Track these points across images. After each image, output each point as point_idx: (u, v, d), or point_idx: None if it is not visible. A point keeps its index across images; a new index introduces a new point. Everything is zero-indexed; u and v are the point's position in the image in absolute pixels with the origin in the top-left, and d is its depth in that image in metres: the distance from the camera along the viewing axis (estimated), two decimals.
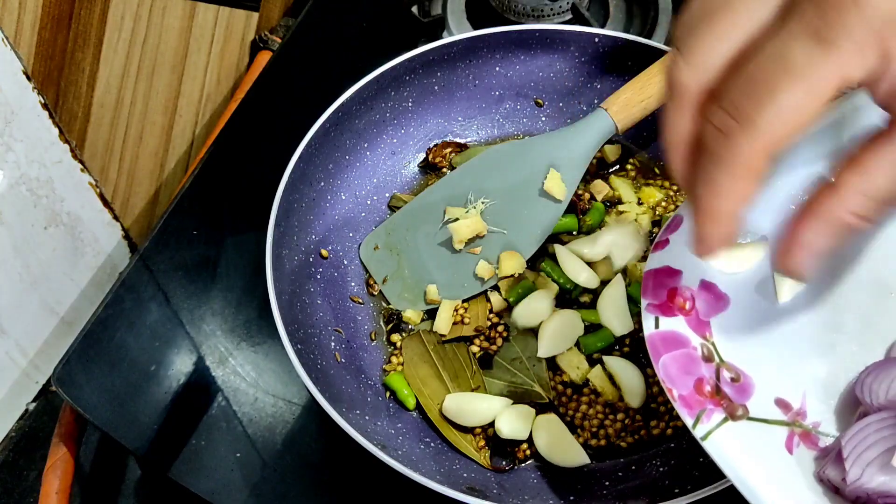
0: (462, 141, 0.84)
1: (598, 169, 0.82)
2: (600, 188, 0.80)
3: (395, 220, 0.78)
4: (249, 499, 0.69)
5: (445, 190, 0.77)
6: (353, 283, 0.77)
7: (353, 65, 0.80)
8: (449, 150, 0.83)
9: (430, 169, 0.83)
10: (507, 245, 0.74)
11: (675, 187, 0.80)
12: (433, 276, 0.75)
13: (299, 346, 0.66)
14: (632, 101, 0.74)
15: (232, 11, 0.99)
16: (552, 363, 0.71)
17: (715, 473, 0.64)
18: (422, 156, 0.83)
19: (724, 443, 0.50)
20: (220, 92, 1.03)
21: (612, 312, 0.72)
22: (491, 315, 0.74)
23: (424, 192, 0.79)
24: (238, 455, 0.71)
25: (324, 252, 0.76)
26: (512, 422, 0.67)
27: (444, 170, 0.82)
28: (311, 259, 0.75)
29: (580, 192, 0.79)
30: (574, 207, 0.78)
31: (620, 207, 0.79)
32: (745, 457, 0.50)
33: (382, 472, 0.59)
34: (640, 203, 0.79)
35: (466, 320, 0.73)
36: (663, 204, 0.79)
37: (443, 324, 0.73)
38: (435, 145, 0.83)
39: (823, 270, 0.56)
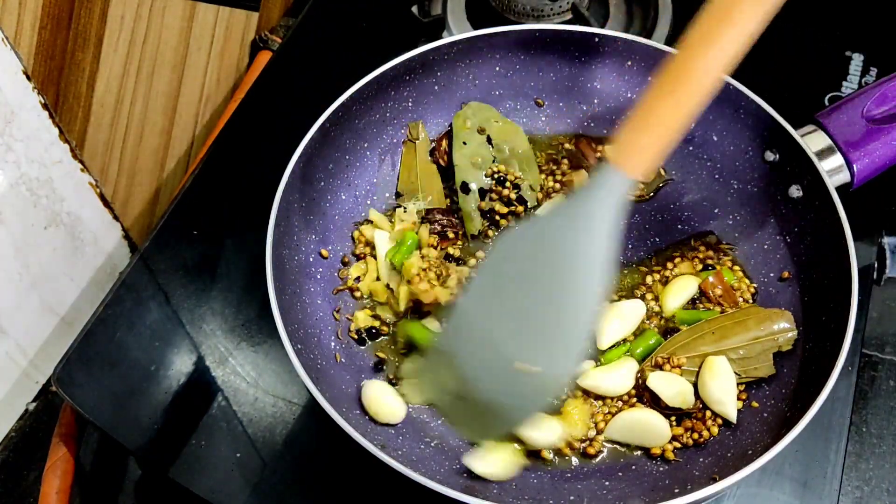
0: None
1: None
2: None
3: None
4: (249, 499, 0.69)
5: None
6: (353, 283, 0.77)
7: (353, 65, 0.80)
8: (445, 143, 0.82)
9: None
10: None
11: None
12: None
13: (299, 346, 0.66)
14: (642, 139, 0.59)
15: (232, 11, 0.98)
16: None
17: (714, 474, 0.64)
18: None
19: None
20: (220, 92, 1.03)
21: None
22: None
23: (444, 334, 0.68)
24: (238, 455, 0.71)
25: (324, 252, 0.76)
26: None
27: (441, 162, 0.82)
28: (311, 259, 0.75)
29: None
30: None
31: None
32: None
33: (382, 472, 0.59)
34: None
35: None
36: None
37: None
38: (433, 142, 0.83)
39: None
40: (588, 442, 0.68)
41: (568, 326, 0.61)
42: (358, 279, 0.76)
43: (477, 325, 0.63)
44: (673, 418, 0.68)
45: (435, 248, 0.76)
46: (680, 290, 0.74)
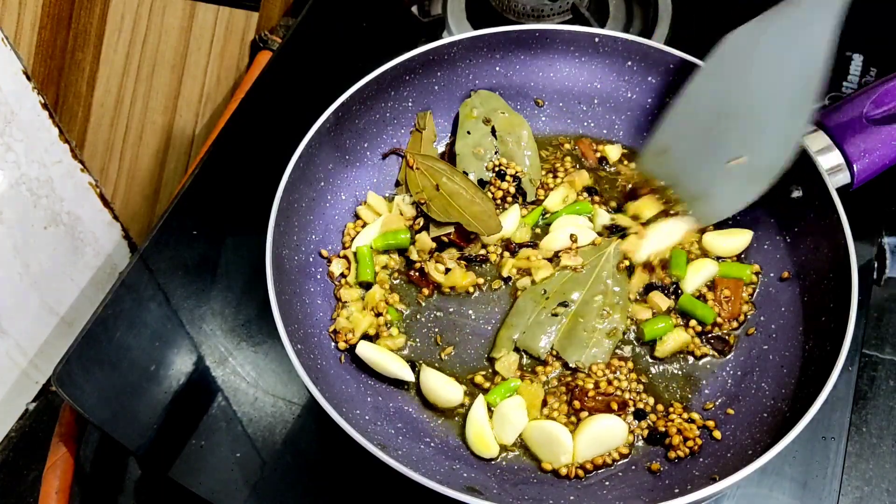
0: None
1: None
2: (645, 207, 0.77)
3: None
4: (249, 499, 0.69)
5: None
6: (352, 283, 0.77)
7: (353, 65, 0.80)
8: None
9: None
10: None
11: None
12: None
13: (299, 346, 0.66)
14: None
15: (232, 11, 0.98)
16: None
17: (714, 474, 0.64)
18: None
19: None
20: (220, 92, 1.03)
21: None
22: None
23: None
24: (238, 455, 0.71)
25: (324, 252, 0.76)
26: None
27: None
28: (311, 259, 0.75)
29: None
30: None
31: None
32: None
33: (382, 472, 0.59)
34: None
35: None
36: None
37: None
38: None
39: None
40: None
41: (778, 125, 0.67)
42: (343, 276, 0.76)
43: (692, 125, 0.71)
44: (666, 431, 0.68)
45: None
46: (699, 269, 0.75)
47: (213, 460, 0.70)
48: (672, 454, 0.67)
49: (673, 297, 0.74)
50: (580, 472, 0.67)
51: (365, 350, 0.70)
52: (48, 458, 0.74)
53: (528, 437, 0.68)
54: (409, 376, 0.70)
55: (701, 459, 0.67)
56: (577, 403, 0.69)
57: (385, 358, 0.70)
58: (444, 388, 0.69)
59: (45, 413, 0.86)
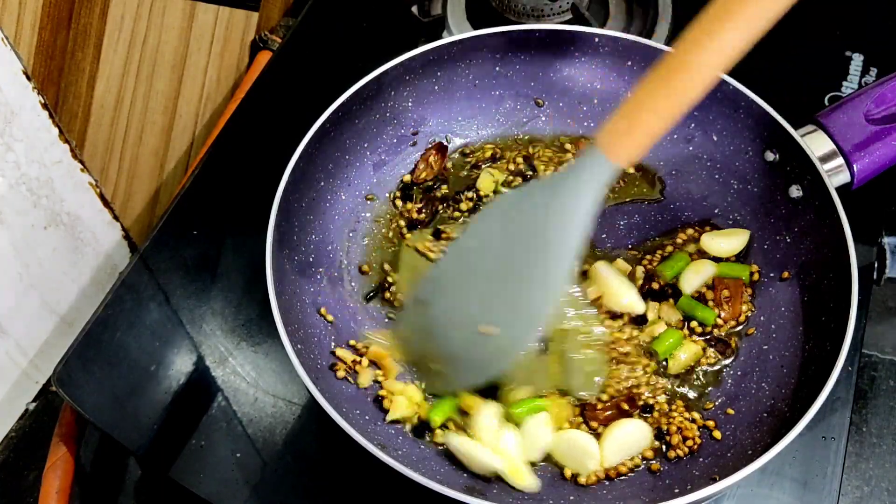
0: (462, 141, 0.84)
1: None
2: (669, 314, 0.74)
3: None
4: (249, 499, 0.69)
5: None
6: (352, 283, 0.77)
7: (353, 65, 0.80)
8: (433, 156, 0.82)
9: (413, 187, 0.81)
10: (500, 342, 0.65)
11: None
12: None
13: (299, 346, 0.66)
14: (632, 126, 0.59)
15: (232, 11, 0.98)
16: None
17: (714, 474, 0.64)
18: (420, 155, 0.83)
19: None
20: (220, 92, 1.03)
21: None
22: None
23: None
24: (238, 455, 0.71)
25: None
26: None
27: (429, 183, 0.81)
28: (311, 259, 0.75)
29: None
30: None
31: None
32: None
33: (382, 472, 0.59)
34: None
35: None
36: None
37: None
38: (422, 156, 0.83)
39: None
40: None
41: (531, 298, 0.63)
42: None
43: (451, 286, 0.67)
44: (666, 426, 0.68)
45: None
46: (698, 270, 0.75)
47: (213, 460, 0.70)
48: (672, 454, 0.67)
49: (671, 299, 0.74)
50: (602, 477, 0.66)
51: (455, 442, 0.66)
52: (48, 458, 0.74)
53: (554, 449, 0.67)
54: (499, 466, 0.65)
55: (701, 459, 0.67)
56: (593, 423, 0.68)
57: (479, 451, 0.65)
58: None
59: (45, 413, 0.86)
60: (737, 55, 0.57)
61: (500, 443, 0.66)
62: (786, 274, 0.73)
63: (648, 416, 0.69)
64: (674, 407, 0.69)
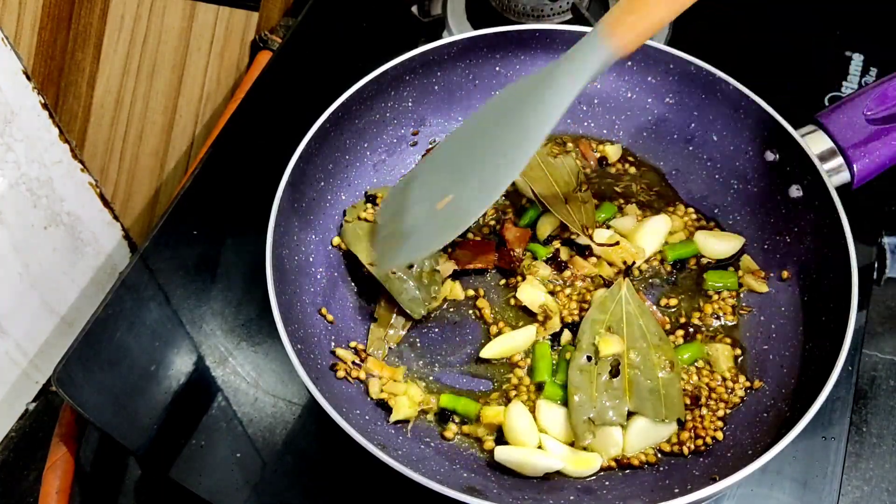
0: None
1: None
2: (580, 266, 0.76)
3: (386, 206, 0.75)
4: (249, 499, 0.69)
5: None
6: (352, 283, 0.77)
7: (353, 65, 0.80)
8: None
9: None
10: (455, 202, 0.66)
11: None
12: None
13: (299, 346, 0.66)
14: (635, 7, 0.58)
15: (232, 11, 0.98)
16: None
17: (714, 474, 0.64)
18: (420, 156, 0.83)
19: None
20: (220, 92, 1.03)
21: None
22: None
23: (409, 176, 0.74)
24: (238, 455, 0.71)
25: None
26: None
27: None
28: (311, 259, 0.75)
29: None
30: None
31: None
32: None
33: (382, 472, 0.59)
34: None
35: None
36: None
37: None
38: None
39: None
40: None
41: (486, 167, 0.64)
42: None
43: (425, 171, 0.71)
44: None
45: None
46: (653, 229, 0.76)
47: (213, 460, 0.70)
48: (676, 448, 0.67)
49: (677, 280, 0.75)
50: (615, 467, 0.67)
51: (506, 454, 0.66)
52: (48, 458, 0.74)
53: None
54: (559, 466, 0.66)
55: (701, 459, 0.67)
56: None
57: (531, 457, 0.66)
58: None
59: (45, 413, 0.86)
60: None
61: (544, 440, 0.67)
62: (786, 274, 0.73)
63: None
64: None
